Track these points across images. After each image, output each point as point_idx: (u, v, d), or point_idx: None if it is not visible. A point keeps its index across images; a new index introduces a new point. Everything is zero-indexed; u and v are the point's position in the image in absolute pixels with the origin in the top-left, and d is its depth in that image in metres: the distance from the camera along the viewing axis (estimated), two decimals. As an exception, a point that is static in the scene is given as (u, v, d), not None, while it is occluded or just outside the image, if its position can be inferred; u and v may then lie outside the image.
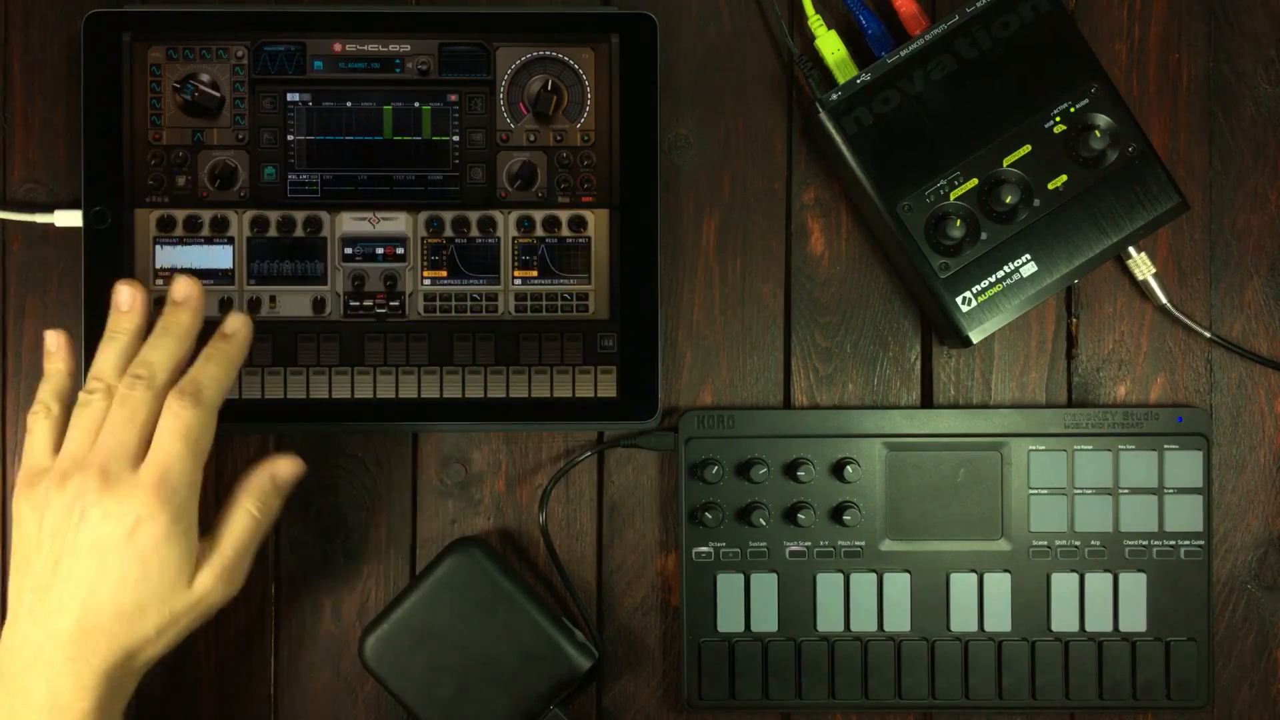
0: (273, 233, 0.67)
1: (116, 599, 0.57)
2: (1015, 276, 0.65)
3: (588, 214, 0.68)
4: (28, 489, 0.59)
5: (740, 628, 0.68)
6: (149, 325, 0.61)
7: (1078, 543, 0.68)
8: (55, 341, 0.62)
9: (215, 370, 0.60)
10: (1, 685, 0.57)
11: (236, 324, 0.62)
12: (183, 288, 0.61)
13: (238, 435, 0.69)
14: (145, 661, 0.59)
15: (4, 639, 0.58)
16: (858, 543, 0.68)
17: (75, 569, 0.57)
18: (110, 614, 0.57)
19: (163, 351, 0.60)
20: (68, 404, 0.61)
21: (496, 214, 0.68)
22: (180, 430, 0.58)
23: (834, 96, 0.65)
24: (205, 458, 0.59)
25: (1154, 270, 0.68)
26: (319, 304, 0.67)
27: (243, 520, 0.61)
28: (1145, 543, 0.68)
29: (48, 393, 0.61)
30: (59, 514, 0.57)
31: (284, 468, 0.62)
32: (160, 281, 0.67)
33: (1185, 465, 0.68)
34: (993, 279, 0.65)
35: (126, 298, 0.61)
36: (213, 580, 0.59)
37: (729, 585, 0.67)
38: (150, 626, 0.58)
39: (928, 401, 0.70)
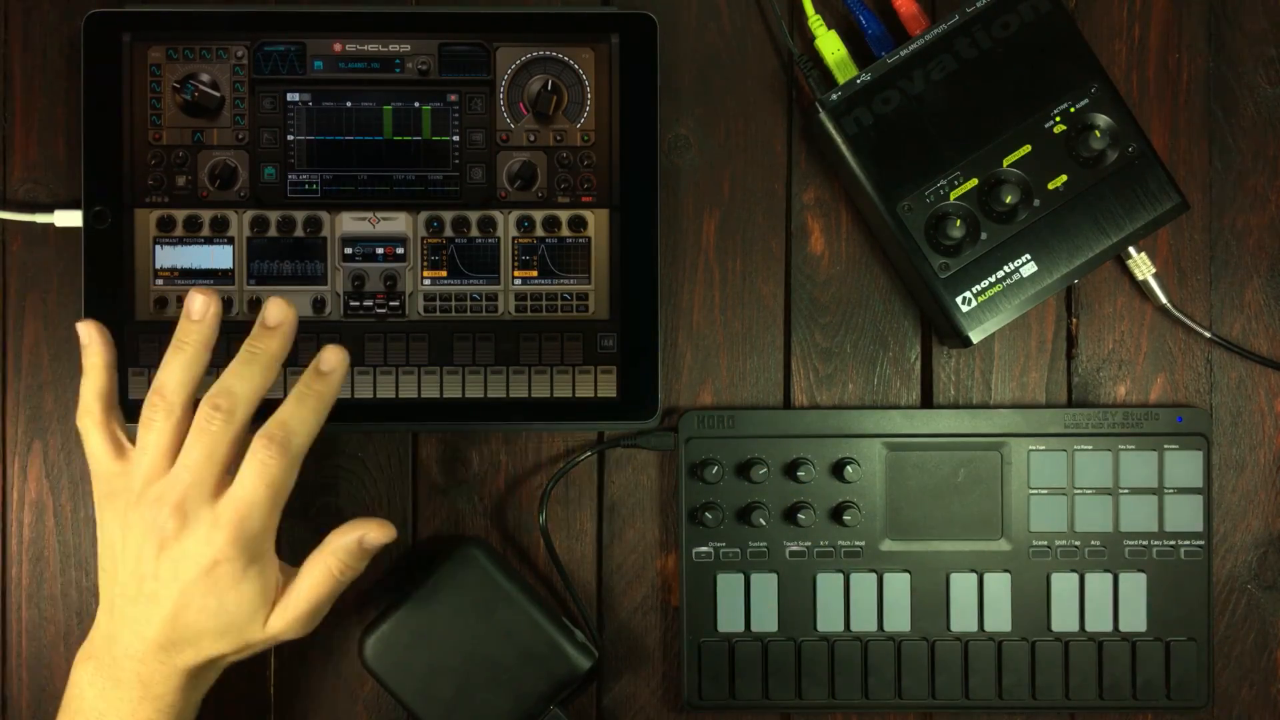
0: (273, 233, 0.67)
1: (197, 623, 0.58)
2: (1015, 276, 0.65)
3: (588, 214, 0.68)
4: (107, 499, 0.59)
5: (740, 628, 0.68)
6: (214, 341, 0.59)
7: (1078, 543, 0.68)
8: (87, 334, 0.60)
9: (307, 415, 0.58)
10: (96, 664, 0.59)
11: (334, 361, 0.59)
12: (277, 312, 0.59)
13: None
14: (226, 664, 0.62)
15: (99, 624, 0.60)
16: (858, 543, 0.68)
17: (160, 593, 0.58)
18: (193, 633, 0.58)
19: (247, 382, 0.58)
20: (111, 402, 0.60)
21: (496, 214, 0.68)
22: (265, 477, 0.57)
23: (834, 96, 0.65)
24: (284, 501, 0.59)
25: (1154, 270, 0.68)
26: (319, 304, 0.67)
27: (321, 575, 0.60)
28: (1145, 543, 0.68)
29: (90, 394, 0.60)
30: (139, 537, 0.58)
31: (374, 533, 0.60)
32: (160, 281, 0.67)
33: (1185, 465, 0.68)
34: (993, 279, 0.65)
35: (200, 306, 0.59)
36: (284, 625, 0.60)
37: (729, 585, 0.67)
38: (228, 646, 0.59)
39: (928, 401, 0.70)
